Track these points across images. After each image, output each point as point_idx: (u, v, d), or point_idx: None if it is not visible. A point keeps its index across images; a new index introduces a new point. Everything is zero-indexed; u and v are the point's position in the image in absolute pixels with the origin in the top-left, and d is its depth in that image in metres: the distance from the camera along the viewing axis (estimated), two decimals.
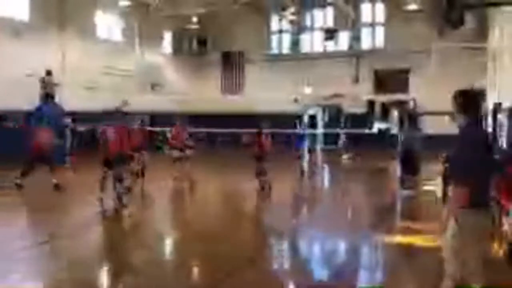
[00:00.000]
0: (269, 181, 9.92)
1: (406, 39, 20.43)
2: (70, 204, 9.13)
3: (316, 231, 7.11)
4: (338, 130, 21.80)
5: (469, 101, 3.28)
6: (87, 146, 9.91)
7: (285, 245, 6.35)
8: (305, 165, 13.65)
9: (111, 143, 8.34)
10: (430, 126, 17.22)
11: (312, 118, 23.79)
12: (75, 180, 11.05)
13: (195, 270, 5.37)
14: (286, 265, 5.52)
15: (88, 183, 9.63)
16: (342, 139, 21.74)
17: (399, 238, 6.27)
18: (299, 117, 23.06)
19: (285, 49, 24.83)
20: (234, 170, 14.42)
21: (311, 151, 21.41)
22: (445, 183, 2.91)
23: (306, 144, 14.44)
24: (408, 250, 5.81)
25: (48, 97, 15.87)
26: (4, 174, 11.20)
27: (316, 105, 23.43)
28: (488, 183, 3.19)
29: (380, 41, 22.72)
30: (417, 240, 6.08)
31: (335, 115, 22.97)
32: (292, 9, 22.12)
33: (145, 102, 19.94)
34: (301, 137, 14.96)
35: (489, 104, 15.41)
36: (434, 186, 11.00)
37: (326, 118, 23.42)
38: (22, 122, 13.08)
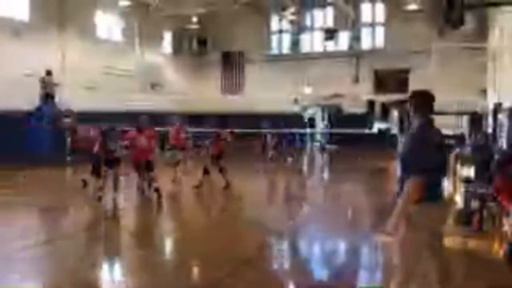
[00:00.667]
0: (228, 178, 10.15)
1: (406, 39, 20.43)
2: (71, 204, 9.12)
3: (314, 231, 7.12)
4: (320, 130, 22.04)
5: (423, 102, 3.33)
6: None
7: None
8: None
9: (142, 149, 8.64)
10: None
11: (311, 118, 23.88)
12: (76, 179, 11.02)
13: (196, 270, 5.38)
14: (279, 265, 5.52)
15: (88, 183, 9.63)
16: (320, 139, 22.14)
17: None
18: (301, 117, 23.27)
19: (285, 49, 24.83)
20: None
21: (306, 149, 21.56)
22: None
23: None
24: None
25: (48, 97, 15.90)
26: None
27: (316, 105, 23.45)
28: (439, 180, 3.29)
29: (380, 41, 22.72)
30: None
31: (335, 115, 22.99)
32: (292, 9, 22.13)
33: (145, 102, 19.94)
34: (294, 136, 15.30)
35: (489, 104, 15.43)
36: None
37: (326, 118, 23.42)
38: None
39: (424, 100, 3.35)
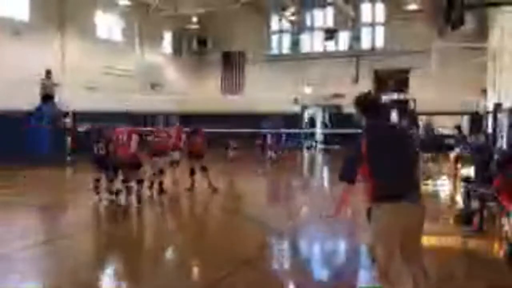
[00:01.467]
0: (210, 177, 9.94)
1: (406, 39, 20.41)
2: (71, 204, 9.12)
3: (314, 231, 7.12)
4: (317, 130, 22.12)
5: (369, 104, 3.42)
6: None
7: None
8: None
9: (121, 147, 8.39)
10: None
11: (312, 118, 23.91)
12: (76, 179, 11.03)
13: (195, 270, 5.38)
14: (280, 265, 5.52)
15: (89, 182, 9.62)
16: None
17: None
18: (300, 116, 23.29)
19: (285, 49, 24.81)
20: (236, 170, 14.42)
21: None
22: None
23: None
24: None
25: (47, 97, 15.91)
26: None
27: (316, 105, 23.45)
28: (396, 181, 3.15)
29: (380, 41, 22.70)
30: None
31: (335, 115, 22.99)
32: (292, 9, 22.13)
33: (145, 102, 19.97)
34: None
35: (489, 104, 15.43)
36: (433, 185, 11.03)
37: (326, 118, 23.42)
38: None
39: (368, 102, 3.44)
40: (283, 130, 19.94)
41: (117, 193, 8.40)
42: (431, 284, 4.56)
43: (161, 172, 9.51)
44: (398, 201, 3.10)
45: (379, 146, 3.20)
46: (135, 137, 8.49)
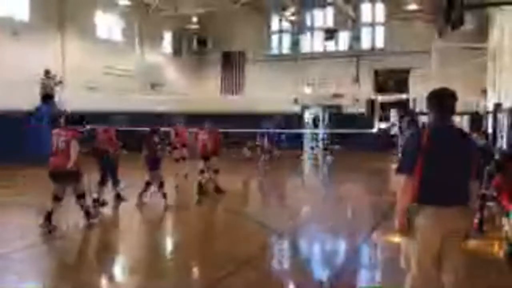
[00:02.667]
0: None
1: (406, 39, 20.42)
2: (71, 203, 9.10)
3: (314, 231, 7.12)
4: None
5: (436, 102, 3.28)
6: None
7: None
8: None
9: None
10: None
11: (314, 118, 23.91)
12: None
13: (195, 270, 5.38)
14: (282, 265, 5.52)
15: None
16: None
17: (399, 238, 6.26)
18: (300, 117, 23.28)
19: (285, 49, 24.81)
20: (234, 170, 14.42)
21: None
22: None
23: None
24: None
25: (47, 97, 15.89)
26: None
27: (316, 105, 23.44)
28: (439, 182, 3.08)
29: (380, 41, 22.70)
30: None
31: (335, 115, 22.99)
32: (292, 9, 22.12)
33: (145, 102, 19.97)
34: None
35: (489, 104, 15.43)
36: None
37: (326, 118, 23.41)
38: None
39: (437, 100, 3.28)
40: (282, 130, 19.96)
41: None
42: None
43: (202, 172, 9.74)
44: (441, 205, 3.05)
45: (439, 149, 3.11)
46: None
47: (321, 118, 23.66)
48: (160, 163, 8.74)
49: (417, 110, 17.54)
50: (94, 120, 9.23)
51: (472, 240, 6.17)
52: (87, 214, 6.91)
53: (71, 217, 7.25)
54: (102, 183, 8.49)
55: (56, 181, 6.61)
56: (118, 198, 8.74)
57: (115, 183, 8.72)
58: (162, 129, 10.46)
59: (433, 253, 3.10)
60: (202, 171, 9.64)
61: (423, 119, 17.82)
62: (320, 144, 22.35)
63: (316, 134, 23.21)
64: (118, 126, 9.40)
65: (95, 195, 8.30)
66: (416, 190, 3.07)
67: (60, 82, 16.05)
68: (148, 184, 8.63)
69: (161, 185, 8.55)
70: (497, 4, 11.19)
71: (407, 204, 3.10)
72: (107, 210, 8.18)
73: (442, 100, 3.26)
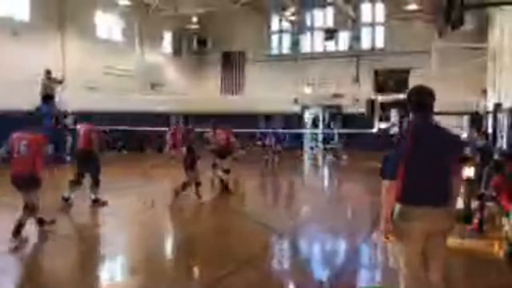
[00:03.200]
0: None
1: (406, 39, 20.41)
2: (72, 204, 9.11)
3: (315, 230, 7.12)
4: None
5: (421, 102, 3.26)
6: None
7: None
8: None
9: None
10: None
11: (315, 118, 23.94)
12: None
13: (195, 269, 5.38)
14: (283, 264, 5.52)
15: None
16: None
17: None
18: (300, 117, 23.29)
19: (285, 49, 24.80)
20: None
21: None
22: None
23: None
24: None
25: (47, 97, 15.87)
26: None
27: (316, 105, 23.45)
28: (422, 183, 3.08)
29: (380, 41, 22.70)
30: None
31: (335, 115, 23.00)
32: (292, 9, 22.12)
33: (145, 102, 19.97)
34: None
35: (489, 104, 15.42)
36: None
37: (326, 118, 23.42)
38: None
39: (416, 98, 3.26)
40: (282, 130, 19.96)
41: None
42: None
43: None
44: (423, 206, 3.05)
45: (421, 149, 3.09)
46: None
47: (321, 118, 23.66)
48: (196, 163, 8.85)
49: None
50: (95, 120, 9.22)
51: (472, 240, 6.18)
52: (41, 222, 6.32)
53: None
54: (77, 182, 8.23)
55: (20, 189, 6.17)
56: (95, 202, 8.27)
57: (95, 185, 8.29)
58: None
59: (420, 253, 3.12)
60: (223, 170, 9.81)
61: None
62: (320, 144, 22.36)
63: (316, 134, 23.22)
64: (103, 125, 9.32)
65: (92, 197, 8.28)
66: (399, 191, 3.08)
67: (61, 81, 16.02)
68: (185, 184, 8.75)
69: (197, 185, 8.75)
70: (497, 4, 11.18)
71: (391, 207, 3.11)
72: (107, 211, 8.17)
73: (421, 99, 3.24)
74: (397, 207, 3.10)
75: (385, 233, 3.15)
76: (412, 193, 3.06)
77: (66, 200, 8.21)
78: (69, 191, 8.27)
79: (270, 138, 16.54)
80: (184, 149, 8.89)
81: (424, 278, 3.14)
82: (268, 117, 22.06)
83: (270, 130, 17.24)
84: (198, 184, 8.85)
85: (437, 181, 3.08)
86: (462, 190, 7.82)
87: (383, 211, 3.16)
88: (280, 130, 17.93)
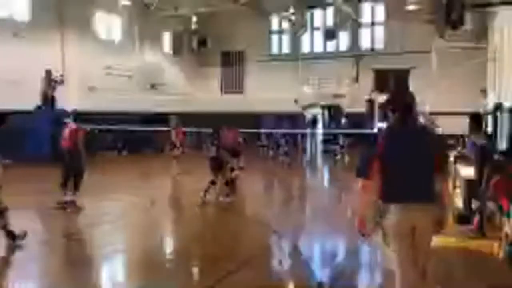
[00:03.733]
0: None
1: (406, 39, 20.41)
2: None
3: (315, 230, 7.11)
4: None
5: (394, 103, 3.33)
6: None
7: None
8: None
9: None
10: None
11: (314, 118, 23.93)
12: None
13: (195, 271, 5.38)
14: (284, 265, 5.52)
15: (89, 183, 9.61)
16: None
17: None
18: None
19: (285, 49, 24.80)
20: None
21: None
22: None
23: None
24: None
25: (47, 97, 15.89)
26: None
27: (316, 105, 23.44)
28: (401, 181, 3.14)
29: (380, 41, 22.70)
30: None
31: (335, 115, 22.99)
32: (292, 9, 22.12)
33: (145, 102, 19.98)
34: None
35: (489, 104, 15.43)
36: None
37: (326, 118, 23.42)
38: None
39: (394, 101, 3.33)
40: (282, 130, 19.96)
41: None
42: (432, 284, 4.57)
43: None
44: (404, 202, 3.12)
45: (396, 149, 3.19)
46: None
47: (320, 118, 23.66)
48: (224, 163, 8.92)
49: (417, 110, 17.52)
50: (95, 120, 9.21)
51: (472, 240, 6.18)
52: (10, 234, 5.71)
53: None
54: (65, 184, 8.09)
55: None
56: (70, 205, 7.99)
57: (76, 188, 8.11)
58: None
59: (407, 251, 3.18)
60: (232, 169, 9.81)
61: (422, 118, 17.95)
62: (320, 144, 22.35)
63: (335, 136, 23.18)
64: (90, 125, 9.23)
65: (67, 198, 8.10)
66: (380, 190, 3.18)
67: (62, 82, 16.03)
68: (212, 183, 8.78)
69: (226, 184, 8.83)
70: (497, 4, 11.18)
71: (367, 205, 3.26)
72: (109, 211, 8.17)
73: (400, 101, 3.30)
74: (380, 205, 3.19)
75: (360, 230, 3.31)
76: (392, 191, 3.15)
77: (66, 203, 8.07)
78: (65, 194, 8.10)
79: (282, 140, 16.36)
80: (214, 150, 8.91)
81: (414, 278, 3.20)
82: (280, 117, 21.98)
83: (286, 131, 17.15)
84: (226, 184, 8.91)
85: (416, 179, 3.15)
86: (462, 190, 7.83)
87: (359, 209, 3.30)
88: (292, 131, 17.83)
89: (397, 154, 3.16)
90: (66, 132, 8.38)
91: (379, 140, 3.24)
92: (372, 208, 3.30)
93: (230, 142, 9.97)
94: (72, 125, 8.46)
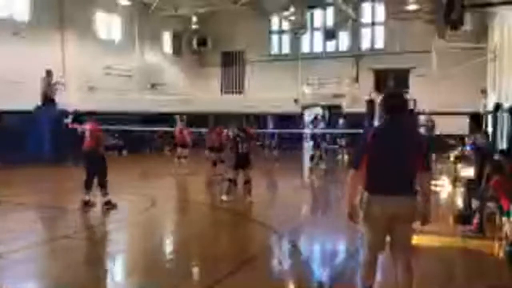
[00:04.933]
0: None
1: (406, 39, 20.40)
2: (70, 202, 9.12)
3: (315, 230, 7.11)
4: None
5: (384, 104, 3.61)
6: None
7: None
8: None
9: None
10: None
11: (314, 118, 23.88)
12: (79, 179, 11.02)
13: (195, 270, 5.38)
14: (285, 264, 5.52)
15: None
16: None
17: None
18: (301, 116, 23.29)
19: (285, 49, 24.80)
20: None
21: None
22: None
23: None
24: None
25: (47, 97, 15.89)
26: None
27: (316, 105, 23.43)
28: (384, 174, 3.45)
29: (380, 41, 22.70)
30: (417, 240, 6.07)
31: (335, 115, 22.97)
32: (292, 9, 22.11)
33: (145, 102, 19.97)
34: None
35: (489, 104, 15.43)
36: (433, 185, 11.03)
37: (326, 118, 23.39)
38: None
39: (385, 102, 3.58)
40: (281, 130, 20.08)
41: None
42: (432, 284, 4.58)
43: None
44: (384, 194, 3.42)
45: (382, 147, 3.48)
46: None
47: (320, 118, 23.60)
48: (250, 160, 8.94)
49: (417, 110, 17.54)
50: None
51: (472, 240, 6.18)
52: None
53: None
54: (88, 185, 8.09)
55: None
56: (108, 205, 8.10)
57: (102, 186, 8.15)
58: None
59: (381, 238, 3.54)
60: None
61: (422, 118, 17.96)
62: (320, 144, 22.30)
63: (316, 134, 23.18)
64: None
65: (103, 199, 8.17)
66: (366, 181, 3.50)
67: (62, 84, 16.04)
68: (231, 181, 8.76)
69: (246, 182, 8.76)
70: (497, 4, 11.18)
71: (355, 194, 3.57)
72: (104, 211, 8.17)
73: (389, 102, 3.57)
74: (364, 195, 3.51)
75: (349, 216, 3.62)
76: (374, 183, 3.47)
77: (86, 203, 8.08)
78: (85, 193, 8.10)
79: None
80: (244, 147, 8.77)
81: (374, 263, 3.64)
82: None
83: (286, 131, 17.18)
84: (247, 182, 8.82)
85: (397, 174, 3.43)
86: (461, 190, 7.84)
87: (346, 197, 3.63)
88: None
89: (382, 151, 3.46)
90: (87, 132, 8.30)
91: (368, 138, 3.52)
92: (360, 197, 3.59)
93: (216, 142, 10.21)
94: (92, 124, 8.43)
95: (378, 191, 3.45)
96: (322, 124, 16.47)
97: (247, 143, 8.76)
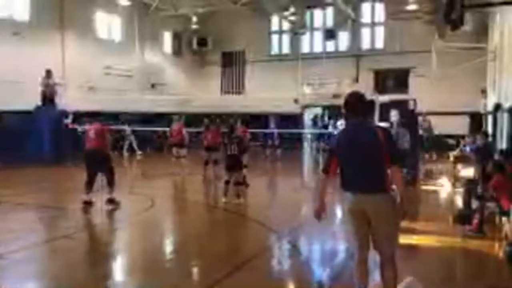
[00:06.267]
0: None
1: (406, 39, 20.41)
2: (70, 202, 9.12)
3: (315, 230, 7.11)
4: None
5: (349, 106, 3.73)
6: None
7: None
8: None
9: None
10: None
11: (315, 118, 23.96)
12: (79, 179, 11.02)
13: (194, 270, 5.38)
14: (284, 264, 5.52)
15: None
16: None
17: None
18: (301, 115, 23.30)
19: (285, 49, 24.80)
20: None
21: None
22: None
23: None
24: (409, 250, 5.80)
25: (47, 97, 15.89)
26: None
27: (316, 105, 23.44)
28: (350, 173, 3.62)
29: (380, 41, 22.70)
30: (417, 240, 6.08)
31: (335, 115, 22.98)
32: (292, 9, 22.11)
33: (145, 102, 19.98)
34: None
35: (489, 104, 15.43)
36: (433, 185, 11.03)
37: (326, 118, 23.42)
38: None
39: (347, 103, 3.72)
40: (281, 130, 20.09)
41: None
42: (432, 284, 4.58)
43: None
44: (352, 192, 3.60)
45: (347, 147, 3.63)
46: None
47: (320, 118, 23.65)
48: (241, 162, 8.95)
49: (416, 110, 17.50)
50: (94, 119, 9.18)
51: (472, 240, 6.18)
52: None
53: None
54: (88, 186, 8.06)
55: None
56: (111, 202, 8.13)
57: (109, 185, 8.18)
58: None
59: (363, 231, 3.66)
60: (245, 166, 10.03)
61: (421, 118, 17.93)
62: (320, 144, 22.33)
63: (316, 134, 23.22)
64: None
65: (107, 196, 8.18)
66: (340, 181, 3.69)
67: (60, 84, 16.05)
68: (227, 183, 8.71)
69: (236, 184, 8.71)
70: (497, 4, 11.17)
71: (324, 194, 3.84)
72: (104, 211, 8.17)
73: (351, 103, 3.69)
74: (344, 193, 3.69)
75: (316, 213, 3.86)
76: (346, 182, 3.65)
77: (87, 203, 8.06)
78: (86, 194, 8.08)
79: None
80: (233, 148, 8.72)
81: (365, 262, 3.86)
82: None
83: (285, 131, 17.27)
84: (239, 183, 8.80)
85: (361, 174, 3.56)
86: (461, 190, 7.83)
87: (314, 196, 3.77)
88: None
89: (344, 153, 3.64)
90: (92, 131, 8.24)
91: (333, 143, 3.80)
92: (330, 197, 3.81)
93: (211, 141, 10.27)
94: (97, 124, 8.41)
95: (347, 189, 3.64)
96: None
97: (235, 144, 8.61)
